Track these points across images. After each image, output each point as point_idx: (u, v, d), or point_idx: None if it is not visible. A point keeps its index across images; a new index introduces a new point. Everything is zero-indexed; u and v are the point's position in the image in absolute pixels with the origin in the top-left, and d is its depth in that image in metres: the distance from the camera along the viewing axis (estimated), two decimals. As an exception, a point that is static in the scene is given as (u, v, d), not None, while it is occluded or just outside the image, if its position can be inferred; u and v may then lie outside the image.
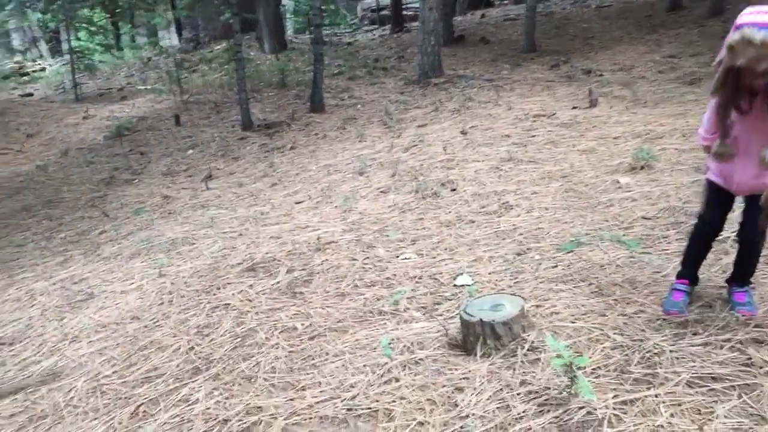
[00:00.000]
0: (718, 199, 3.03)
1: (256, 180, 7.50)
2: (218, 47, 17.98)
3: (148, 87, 15.13)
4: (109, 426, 2.93)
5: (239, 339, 3.49)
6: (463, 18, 20.89)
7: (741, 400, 2.33)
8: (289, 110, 11.08)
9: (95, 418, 3.03)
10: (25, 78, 19.15)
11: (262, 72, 14.59)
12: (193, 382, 3.14)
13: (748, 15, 2.38)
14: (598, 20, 15.95)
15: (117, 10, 18.22)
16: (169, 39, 15.32)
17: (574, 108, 7.99)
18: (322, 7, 17.51)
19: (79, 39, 18.12)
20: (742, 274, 3.08)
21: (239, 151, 9.20)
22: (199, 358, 3.38)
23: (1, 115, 13.84)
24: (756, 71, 2.40)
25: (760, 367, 2.49)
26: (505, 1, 26.08)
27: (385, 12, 23.93)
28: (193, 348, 3.50)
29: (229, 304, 3.98)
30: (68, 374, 3.50)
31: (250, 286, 4.20)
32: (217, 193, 7.22)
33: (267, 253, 4.72)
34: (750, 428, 2.19)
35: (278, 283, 4.18)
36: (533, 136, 6.94)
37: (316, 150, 8.39)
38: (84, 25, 17.78)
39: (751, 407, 2.29)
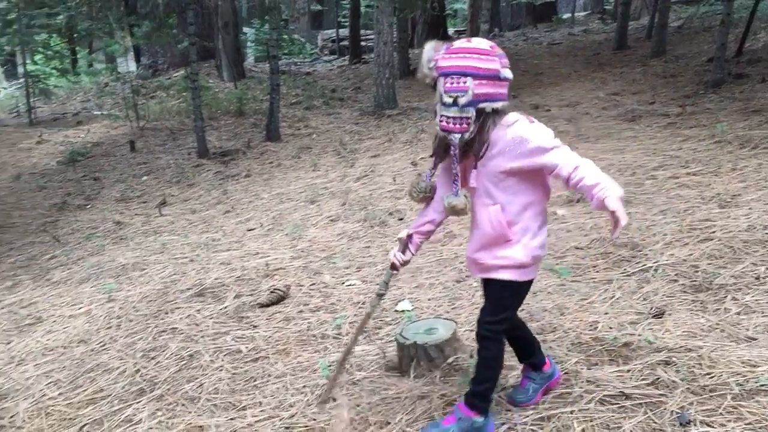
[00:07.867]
0: None
1: (209, 207, 7.60)
2: (176, 74, 18.00)
3: (104, 113, 15.05)
4: (53, 446, 3.01)
5: (184, 362, 3.60)
6: (420, 51, 21.36)
7: (646, 416, 2.54)
8: (246, 138, 11.21)
9: (39, 439, 3.10)
10: (-22, 102, 18.90)
11: (220, 100, 14.68)
12: (137, 403, 3.23)
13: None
14: (549, 57, 16.52)
15: (75, 36, 18.11)
16: (126, 65, 15.18)
17: (521, 142, 8.30)
18: (282, 37, 17.79)
19: (35, 63, 17.92)
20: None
21: (194, 178, 9.28)
22: (144, 380, 3.47)
23: (-49, 139, 13.65)
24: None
25: (666, 386, 2.71)
26: (462, 35, 26.76)
27: (344, 43, 24.27)
28: (138, 370, 3.58)
29: (176, 328, 4.08)
30: (13, 396, 3.55)
31: (198, 310, 4.30)
32: (170, 219, 7.29)
33: (216, 279, 4.83)
34: (651, 440, 2.39)
35: (226, 307, 4.30)
36: (480, 168, 7.20)
37: (270, 178, 8.54)
38: (40, 49, 17.63)
39: (654, 422, 2.50)
